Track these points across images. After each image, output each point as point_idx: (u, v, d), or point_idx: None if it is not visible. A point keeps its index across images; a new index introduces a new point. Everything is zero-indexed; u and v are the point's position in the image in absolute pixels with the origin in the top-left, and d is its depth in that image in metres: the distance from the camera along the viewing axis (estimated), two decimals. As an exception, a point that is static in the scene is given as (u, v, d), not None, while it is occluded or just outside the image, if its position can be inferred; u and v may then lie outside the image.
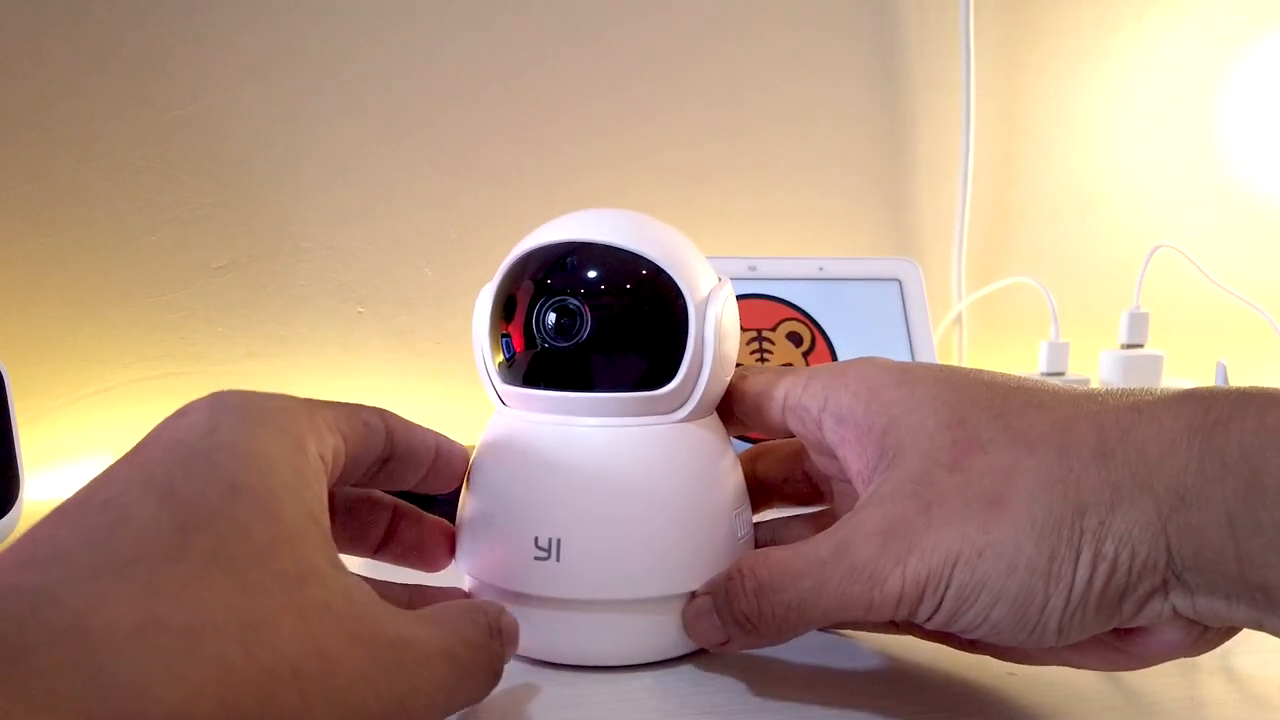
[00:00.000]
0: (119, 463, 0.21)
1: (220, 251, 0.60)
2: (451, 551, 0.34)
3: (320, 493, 0.23)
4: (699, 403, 0.32)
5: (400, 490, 0.30)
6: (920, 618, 0.24)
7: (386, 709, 0.19)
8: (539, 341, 0.30)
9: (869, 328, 0.59)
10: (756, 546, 0.29)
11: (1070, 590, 0.22)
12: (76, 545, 0.17)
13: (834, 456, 0.29)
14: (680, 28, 0.66)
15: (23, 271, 0.58)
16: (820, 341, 0.58)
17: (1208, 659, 0.33)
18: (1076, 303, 0.75)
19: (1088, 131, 0.74)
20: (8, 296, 0.58)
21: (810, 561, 0.25)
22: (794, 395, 0.30)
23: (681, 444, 0.31)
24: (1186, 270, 0.69)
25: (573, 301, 0.30)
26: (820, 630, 0.26)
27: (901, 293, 0.60)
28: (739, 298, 0.56)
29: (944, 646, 0.33)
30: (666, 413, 0.31)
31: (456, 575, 0.36)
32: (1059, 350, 0.62)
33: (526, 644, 0.32)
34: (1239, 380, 0.34)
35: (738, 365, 0.33)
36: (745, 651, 0.33)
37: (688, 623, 0.29)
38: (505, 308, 0.31)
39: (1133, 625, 0.24)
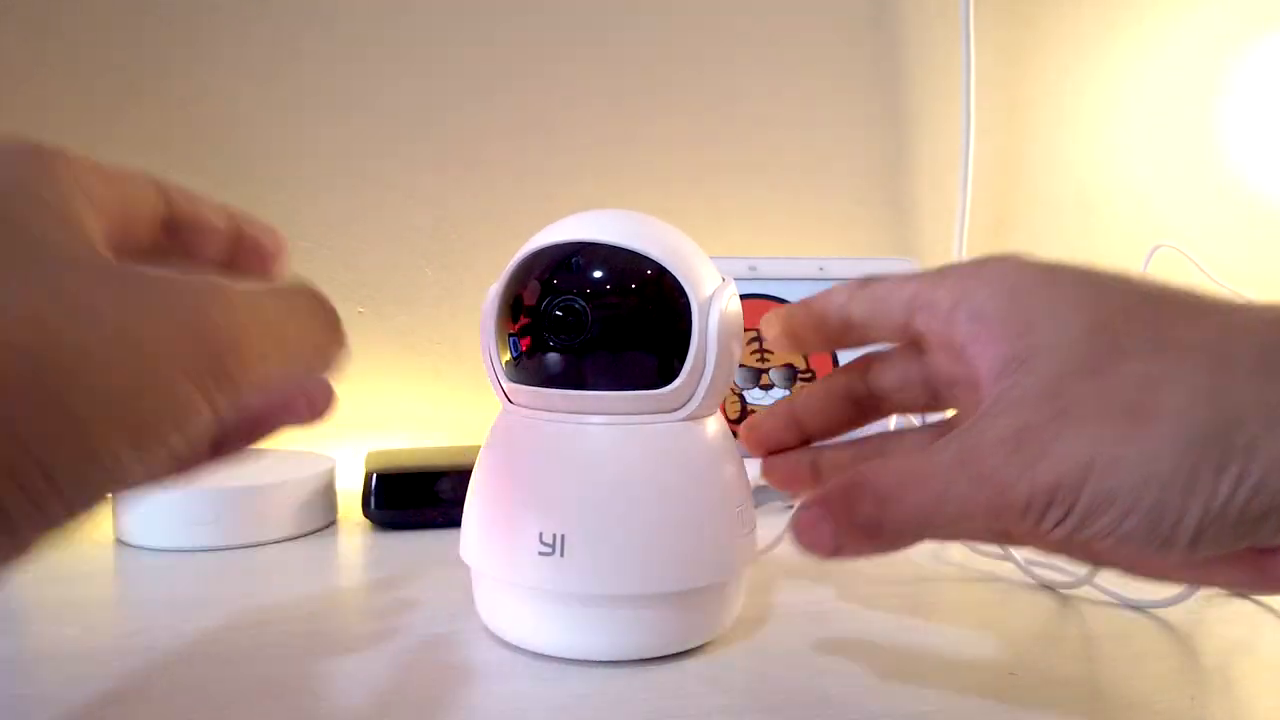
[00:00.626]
0: None
1: (221, 251, 0.60)
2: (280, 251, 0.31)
3: (81, 207, 0.22)
4: (703, 401, 0.32)
5: None
6: (1046, 526, 0.23)
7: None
8: (544, 340, 0.31)
9: (869, 328, 0.59)
10: (862, 463, 0.27)
11: (1208, 507, 0.21)
12: None
13: (961, 357, 0.27)
14: (680, 28, 0.66)
15: (23, 271, 0.58)
16: (821, 341, 0.58)
17: (1208, 658, 0.33)
18: (1076, 303, 0.75)
19: (1088, 131, 0.75)
20: (8, 296, 0.57)
21: (934, 468, 0.24)
22: (924, 293, 0.28)
23: (685, 442, 0.32)
24: (1187, 270, 0.69)
25: (578, 301, 0.30)
26: (934, 540, 0.25)
27: (902, 293, 0.60)
28: (740, 298, 0.56)
29: (943, 647, 0.33)
30: (670, 411, 0.32)
31: (461, 568, 0.36)
32: (1059, 350, 0.62)
33: (529, 638, 0.32)
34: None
35: (741, 365, 0.32)
36: (744, 652, 0.33)
37: (798, 532, 0.27)
38: (511, 307, 0.31)
39: (1273, 544, 0.23)
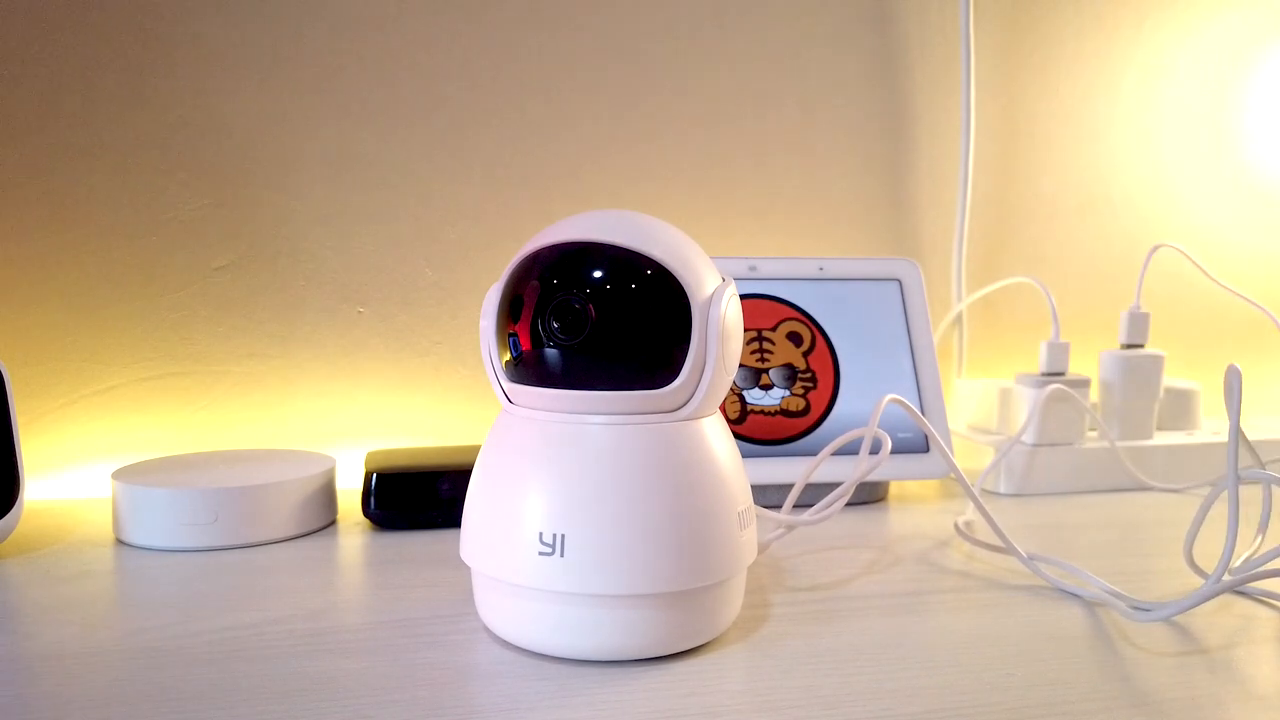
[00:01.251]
0: None
1: (221, 252, 0.60)
2: None
3: None
4: (703, 400, 0.32)
5: None
6: None
7: None
8: (545, 340, 0.31)
9: (869, 328, 0.59)
10: None
11: None
12: None
13: None
14: (681, 29, 0.66)
15: (24, 272, 0.58)
16: (820, 341, 0.58)
17: (1207, 658, 0.33)
18: (1076, 303, 0.76)
19: (1088, 131, 0.75)
20: (9, 297, 0.57)
21: None
22: None
23: (685, 442, 0.32)
24: (1187, 269, 0.69)
25: (577, 301, 0.30)
26: None
27: (901, 293, 0.60)
28: (740, 298, 0.56)
29: (943, 648, 0.33)
30: (671, 411, 0.32)
31: (461, 568, 0.36)
32: (1059, 350, 0.62)
33: (528, 637, 0.32)
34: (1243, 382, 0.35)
35: (741, 365, 0.32)
36: (743, 652, 0.33)
37: None
38: (512, 307, 0.31)
39: None
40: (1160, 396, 0.64)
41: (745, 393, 0.56)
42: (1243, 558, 0.42)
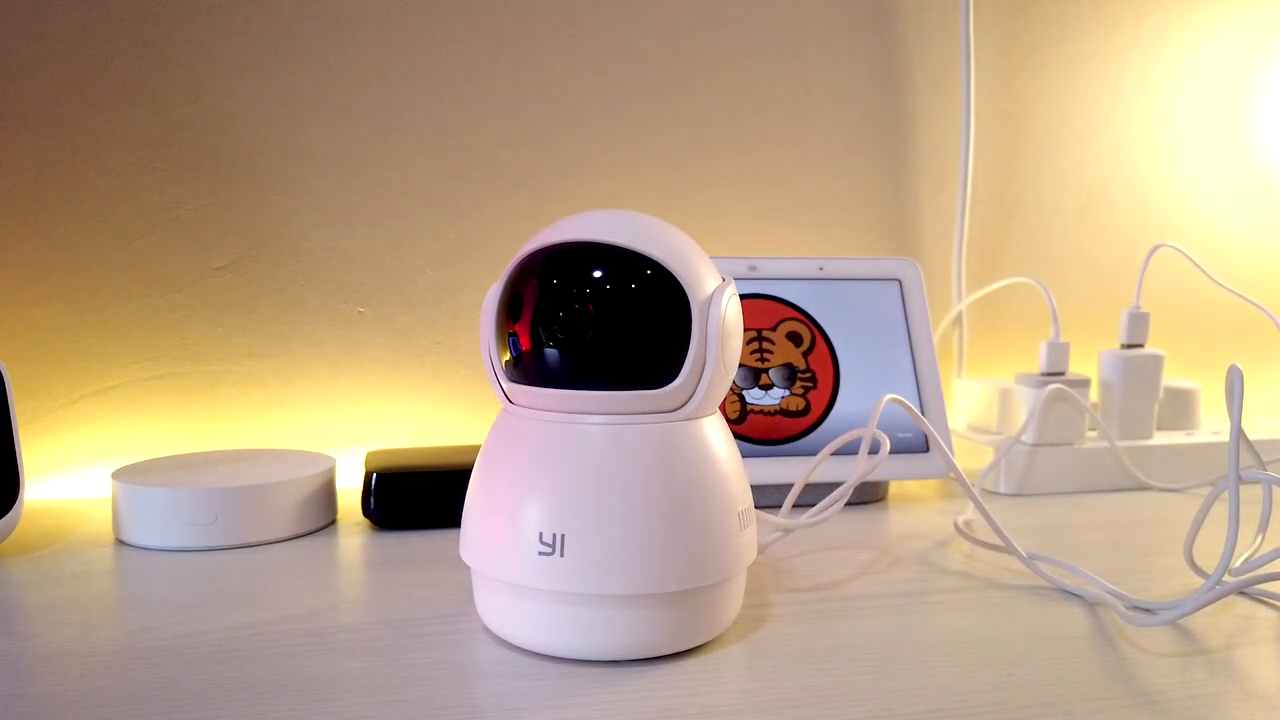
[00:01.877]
0: None
1: (221, 251, 0.60)
2: None
3: None
4: (703, 400, 0.32)
5: None
6: None
7: None
8: (545, 340, 0.31)
9: (869, 328, 0.59)
10: None
11: None
12: None
13: None
14: (681, 29, 0.66)
15: (24, 272, 0.58)
16: (820, 341, 0.58)
17: (1208, 657, 0.33)
18: (1076, 303, 0.76)
19: (1088, 131, 0.75)
20: (8, 297, 0.57)
21: None
22: None
23: (685, 441, 0.32)
24: (1187, 269, 0.69)
25: (578, 301, 0.30)
26: None
27: (901, 293, 0.60)
28: (740, 297, 0.56)
29: (943, 647, 0.33)
30: (670, 410, 0.32)
31: (461, 568, 0.36)
32: (1059, 350, 0.62)
33: (527, 637, 0.32)
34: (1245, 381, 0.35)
35: (741, 365, 0.32)
36: (743, 652, 0.33)
37: None
38: (511, 307, 0.31)
39: None
40: (1160, 396, 0.64)
41: (745, 392, 0.56)
42: (1243, 558, 0.42)
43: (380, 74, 0.62)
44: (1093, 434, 0.63)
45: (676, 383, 0.31)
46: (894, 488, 0.59)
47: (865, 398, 0.57)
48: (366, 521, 0.51)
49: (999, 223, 0.74)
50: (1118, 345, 0.65)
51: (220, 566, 0.43)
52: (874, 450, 0.43)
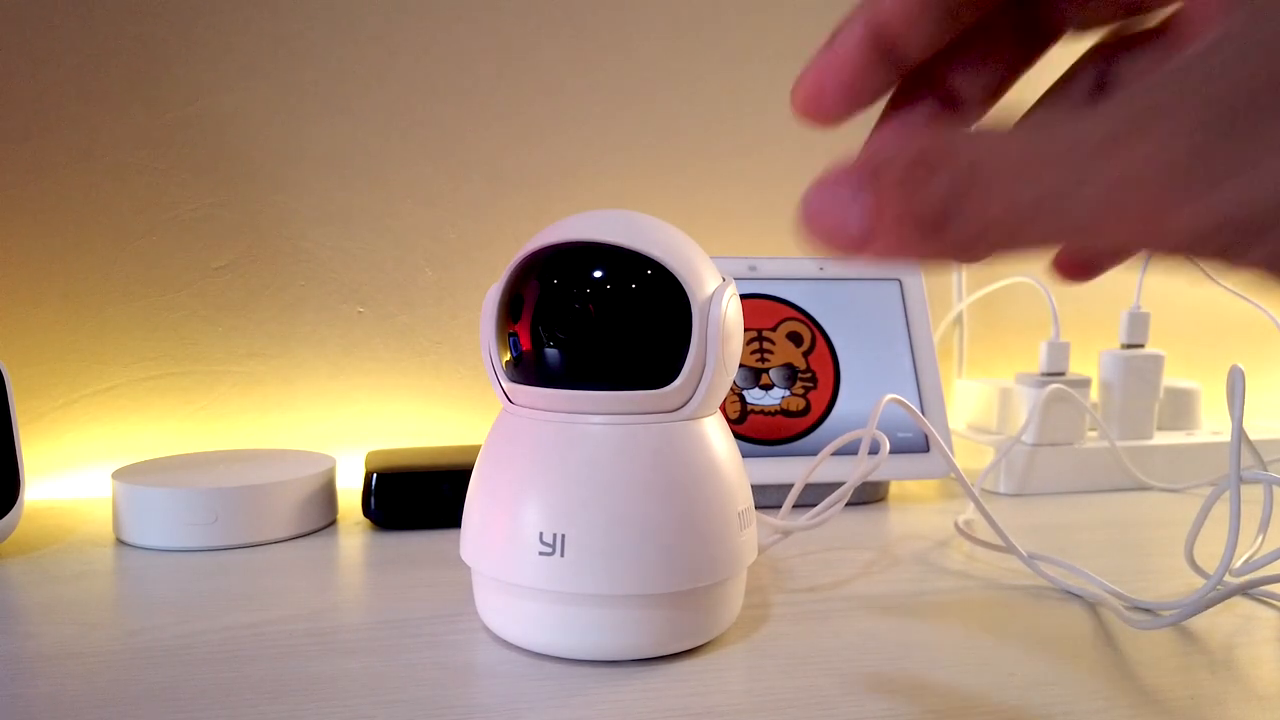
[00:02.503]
0: None
1: (221, 251, 0.60)
2: None
3: None
4: (703, 400, 0.32)
5: None
6: (1239, 263, 0.15)
7: None
8: (545, 340, 0.31)
9: (869, 328, 0.59)
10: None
11: None
12: None
13: None
14: (681, 28, 0.66)
15: (24, 272, 0.58)
16: (820, 341, 0.58)
17: (1209, 657, 0.33)
18: (1077, 303, 0.76)
19: (1087, 132, 0.75)
20: (9, 297, 0.57)
21: (1060, 151, 0.15)
22: None
23: (686, 441, 0.32)
24: (1187, 269, 0.69)
25: (579, 301, 0.30)
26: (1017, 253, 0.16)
27: (902, 292, 0.60)
28: (740, 297, 0.56)
29: (943, 647, 0.33)
30: (671, 410, 0.32)
31: (461, 568, 0.36)
32: (1059, 350, 0.62)
33: (527, 637, 0.32)
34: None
35: (741, 365, 0.31)
36: (744, 652, 0.33)
37: (812, 212, 0.17)
38: (512, 307, 0.31)
39: None
40: (1160, 396, 0.64)
41: (745, 392, 0.56)
42: (1243, 559, 0.42)
43: (380, 74, 0.62)
44: (1093, 434, 0.63)
45: (677, 383, 0.31)
46: (894, 488, 0.59)
47: (865, 398, 0.57)
48: (367, 521, 0.51)
49: (999, 223, 0.74)
50: (1118, 345, 0.65)
51: (220, 566, 0.43)
52: (874, 450, 0.43)
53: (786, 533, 0.42)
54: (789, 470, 0.54)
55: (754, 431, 0.55)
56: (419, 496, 0.49)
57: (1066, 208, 0.15)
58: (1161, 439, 0.63)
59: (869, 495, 0.57)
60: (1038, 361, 0.64)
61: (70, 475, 0.59)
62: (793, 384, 0.57)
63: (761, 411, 0.56)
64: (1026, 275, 0.71)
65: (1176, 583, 0.41)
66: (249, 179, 0.60)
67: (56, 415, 0.59)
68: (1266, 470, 0.44)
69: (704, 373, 0.31)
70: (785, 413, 0.56)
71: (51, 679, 0.31)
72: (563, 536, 0.30)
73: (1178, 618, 0.34)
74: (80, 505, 0.55)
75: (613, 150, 0.65)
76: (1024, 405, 0.61)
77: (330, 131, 0.61)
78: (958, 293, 0.72)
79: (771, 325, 0.58)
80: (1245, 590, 0.38)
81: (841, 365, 0.58)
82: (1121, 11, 0.20)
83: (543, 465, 0.31)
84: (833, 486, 0.45)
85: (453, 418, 0.64)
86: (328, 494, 0.51)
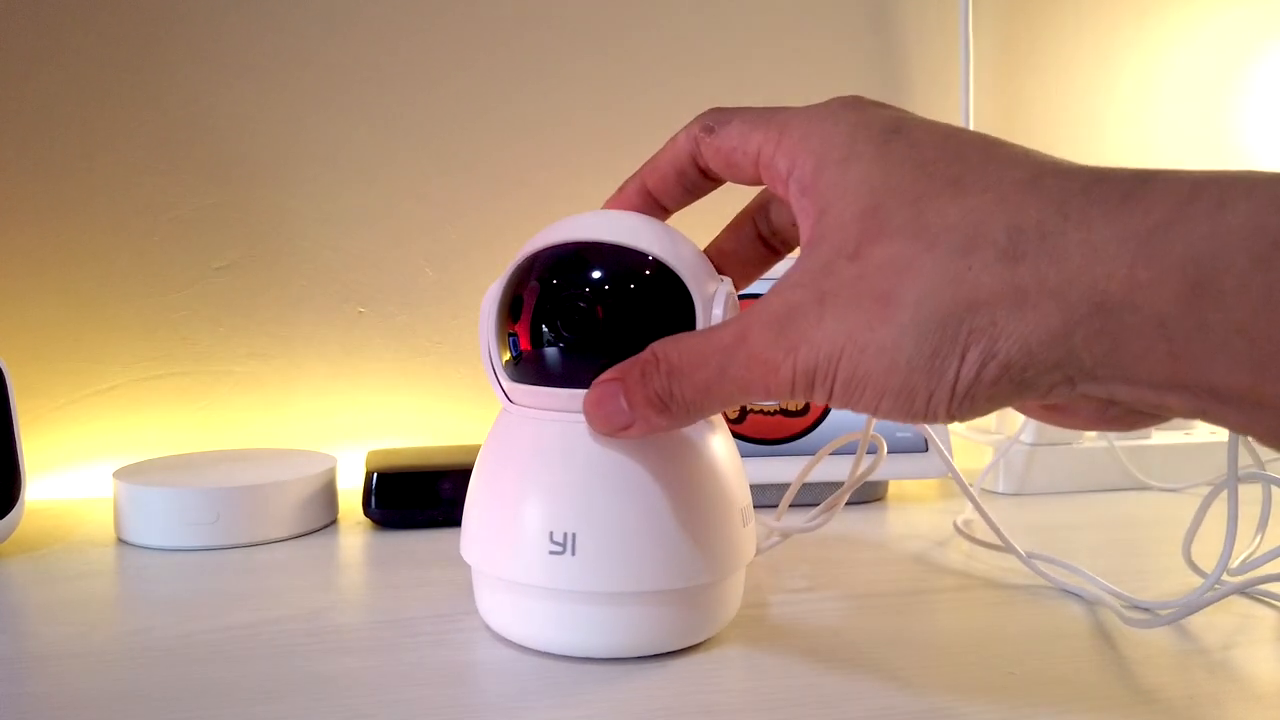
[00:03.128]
0: None
1: (221, 252, 0.61)
2: None
3: None
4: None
5: None
6: (817, 402, 0.25)
7: None
8: (549, 340, 0.31)
9: (869, 327, 0.59)
10: None
11: (954, 387, 0.22)
12: None
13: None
14: (680, 28, 0.66)
15: (25, 271, 0.58)
16: (820, 341, 0.58)
17: (1206, 657, 0.33)
18: (1076, 302, 0.76)
19: (1086, 131, 0.75)
20: (10, 296, 0.58)
21: (715, 347, 0.26)
22: (766, 153, 0.28)
23: (691, 439, 0.32)
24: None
25: (582, 300, 0.30)
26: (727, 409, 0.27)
27: (901, 292, 0.60)
28: (739, 297, 0.56)
29: (946, 649, 0.33)
30: None
31: (462, 567, 0.36)
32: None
33: (535, 637, 0.32)
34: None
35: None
36: (743, 651, 0.33)
37: (591, 406, 0.29)
38: (514, 307, 0.32)
39: (1045, 403, 0.24)
40: (1136, 430, 0.64)
41: (745, 392, 0.56)
42: (1241, 558, 0.42)
43: (381, 75, 0.62)
44: (1091, 434, 0.63)
45: None
46: (893, 487, 0.59)
47: (865, 397, 0.57)
48: (367, 521, 0.51)
49: (998, 222, 0.74)
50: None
51: (221, 566, 0.43)
52: (872, 450, 0.43)
53: (785, 535, 0.42)
54: (788, 470, 0.54)
55: (753, 431, 0.55)
56: (419, 496, 0.50)
57: (725, 382, 0.26)
58: (1160, 438, 0.63)
59: (868, 495, 0.57)
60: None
61: (71, 475, 0.59)
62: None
63: (761, 411, 0.56)
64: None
65: (1174, 582, 0.41)
66: (250, 179, 0.60)
67: (58, 415, 0.59)
68: (1265, 469, 0.44)
69: None
70: (784, 412, 0.56)
71: (52, 678, 0.31)
72: (573, 535, 0.30)
73: (1175, 617, 0.35)
74: (81, 505, 0.55)
75: (614, 150, 0.65)
76: (1023, 405, 0.61)
77: (331, 131, 0.61)
78: (957, 292, 0.72)
79: (771, 325, 0.58)
80: (1243, 590, 0.38)
81: (841, 365, 0.58)
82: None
83: (549, 465, 0.31)
84: (833, 486, 0.45)
85: (453, 417, 0.64)
86: (328, 493, 0.51)
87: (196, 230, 0.60)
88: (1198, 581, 0.40)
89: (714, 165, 0.30)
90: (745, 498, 0.34)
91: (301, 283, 0.62)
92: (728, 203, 0.35)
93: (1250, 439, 0.32)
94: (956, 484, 0.44)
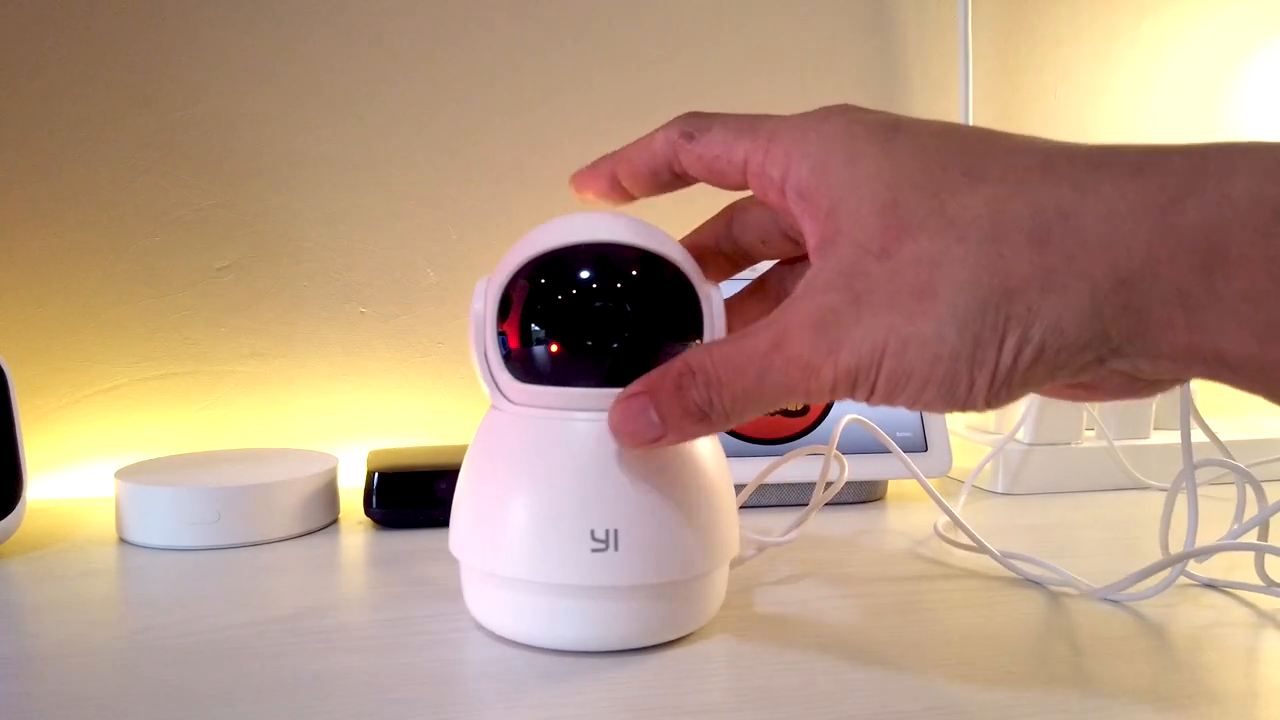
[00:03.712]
0: None
1: (223, 252, 0.61)
2: None
3: None
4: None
5: None
6: (858, 400, 0.25)
7: None
8: (575, 341, 0.31)
9: (868, 327, 0.59)
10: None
11: (994, 372, 0.23)
12: None
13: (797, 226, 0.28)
14: (679, 28, 0.66)
15: (26, 272, 0.58)
16: (819, 341, 0.58)
17: (1209, 656, 0.33)
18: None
19: (1085, 132, 0.75)
20: (12, 297, 0.58)
21: (751, 355, 0.26)
22: (755, 160, 0.28)
23: None
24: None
25: (614, 303, 0.31)
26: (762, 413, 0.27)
27: (900, 293, 0.60)
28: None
29: (945, 647, 0.34)
30: None
31: (457, 571, 0.36)
32: (1057, 350, 0.62)
33: (573, 637, 0.32)
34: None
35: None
36: (735, 645, 0.33)
37: (619, 422, 0.29)
38: (529, 307, 0.32)
39: (1074, 382, 0.24)
40: (1157, 396, 0.64)
41: (744, 392, 0.56)
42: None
43: (382, 76, 0.62)
44: (1090, 433, 0.63)
45: None
46: (892, 486, 0.60)
47: (864, 397, 0.57)
48: (368, 520, 0.51)
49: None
50: (1116, 345, 0.65)
51: (223, 565, 0.43)
52: (882, 450, 0.43)
53: (760, 548, 0.43)
54: (788, 469, 0.54)
55: (753, 430, 0.55)
56: (420, 496, 0.50)
57: (765, 388, 0.26)
58: (1158, 438, 0.63)
59: (868, 494, 0.57)
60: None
61: (73, 474, 0.59)
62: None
63: (760, 411, 0.56)
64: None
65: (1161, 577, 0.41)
66: (251, 180, 0.61)
67: (59, 415, 0.59)
68: (1231, 458, 0.45)
69: None
70: (784, 412, 0.56)
71: (54, 678, 0.31)
72: (615, 531, 0.31)
73: (1129, 597, 0.36)
74: (83, 504, 0.55)
75: (613, 150, 0.65)
76: (1021, 404, 0.62)
77: (332, 132, 0.61)
78: (956, 293, 0.72)
79: (770, 325, 0.58)
80: (1214, 582, 0.39)
81: (840, 365, 0.58)
82: (789, 247, 0.33)
83: (586, 465, 0.31)
84: (833, 487, 0.45)
85: (454, 417, 0.64)
86: (329, 493, 0.51)
87: (198, 230, 0.60)
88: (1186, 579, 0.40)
89: (693, 171, 0.30)
90: (731, 489, 0.35)
91: (303, 283, 0.62)
92: (722, 201, 0.35)
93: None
94: (957, 483, 0.44)
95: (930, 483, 0.47)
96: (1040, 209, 0.22)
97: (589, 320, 0.31)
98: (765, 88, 0.68)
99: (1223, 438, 0.50)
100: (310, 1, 0.60)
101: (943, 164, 0.24)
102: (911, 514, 0.54)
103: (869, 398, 0.25)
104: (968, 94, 0.70)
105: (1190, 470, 0.39)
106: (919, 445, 0.56)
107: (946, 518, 0.50)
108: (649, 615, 0.32)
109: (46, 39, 0.57)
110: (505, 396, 0.34)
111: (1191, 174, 0.21)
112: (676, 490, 0.32)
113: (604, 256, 0.31)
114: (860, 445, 0.54)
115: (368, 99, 0.62)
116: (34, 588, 0.40)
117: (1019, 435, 0.60)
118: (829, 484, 0.45)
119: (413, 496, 0.50)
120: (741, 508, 0.36)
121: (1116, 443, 0.61)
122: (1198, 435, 0.64)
